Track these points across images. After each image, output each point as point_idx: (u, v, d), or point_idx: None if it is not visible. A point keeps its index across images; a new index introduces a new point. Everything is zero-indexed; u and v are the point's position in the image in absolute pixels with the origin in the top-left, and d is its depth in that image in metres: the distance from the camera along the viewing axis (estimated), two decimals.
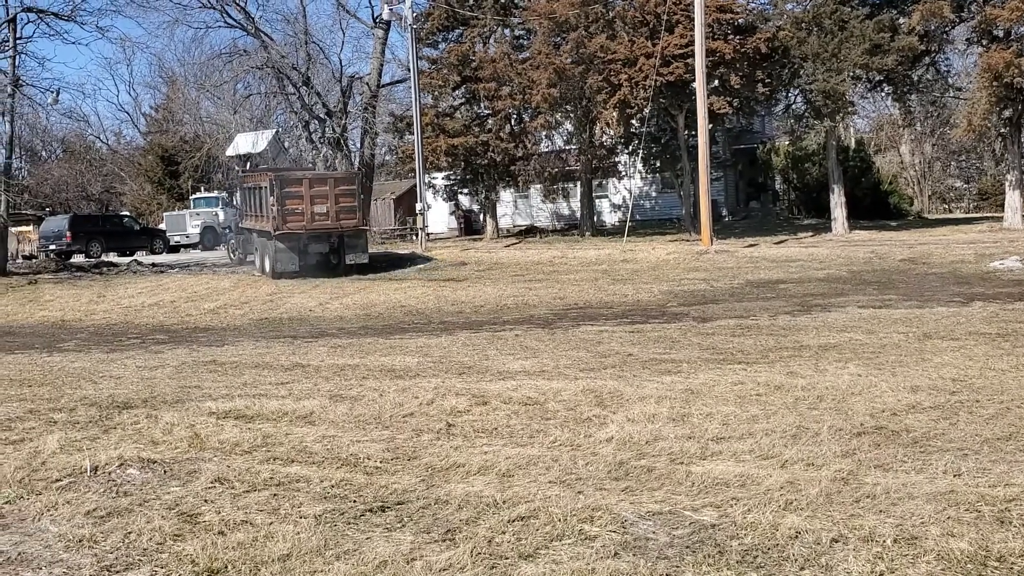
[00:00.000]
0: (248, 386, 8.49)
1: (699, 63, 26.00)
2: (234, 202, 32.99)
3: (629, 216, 31.54)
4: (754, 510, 4.41)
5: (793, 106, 33.38)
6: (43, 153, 67.63)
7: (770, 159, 41.94)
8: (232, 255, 31.79)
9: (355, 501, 4.75)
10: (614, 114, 30.49)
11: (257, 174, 30.19)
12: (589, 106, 32.99)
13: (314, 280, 22.26)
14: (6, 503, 4.81)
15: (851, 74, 28.21)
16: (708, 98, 26.74)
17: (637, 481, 5.01)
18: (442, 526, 4.35)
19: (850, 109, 33.00)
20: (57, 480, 5.16)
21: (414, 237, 40.12)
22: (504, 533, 4.21)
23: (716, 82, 29.23)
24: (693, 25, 26.63)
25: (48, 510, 4.67)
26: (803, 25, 28.77)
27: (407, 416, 6.75)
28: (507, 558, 3.95)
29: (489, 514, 4.48)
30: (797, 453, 5.38)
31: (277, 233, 23.72)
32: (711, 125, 27.91)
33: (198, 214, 46.03)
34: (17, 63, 26.67)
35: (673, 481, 4.98)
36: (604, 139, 36.25)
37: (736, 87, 29.20)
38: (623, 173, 38.04)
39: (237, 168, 48.71)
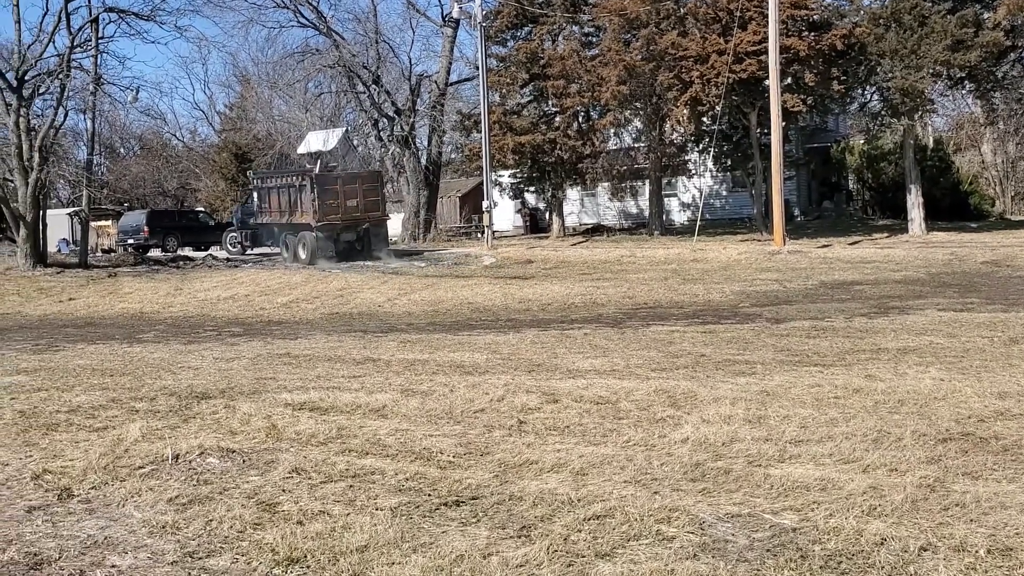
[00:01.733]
0: (321, 379, 8.60)
1: (773, 60, 25.57)
2: (250, 201, 34.16)
3: (699, 215, 31.16)
4: (836, 515, 4.30)
5: (869, 104, 32.61)
6: (122, 150, 69.66)
7: (844, 158, 41.02)
8: (231, 248, 33.79)
9: (429, 495, 4.76)
10: (685, 111, 30.16)
11: (283, 175, 32.10)
12: (659, 103, 32.72)
13: (382, 276, 22.53)
14: (92, 489, 4.94)
15: (931, 71, 27.41)
16: (781, 96, 26.29)
17: (714, 483, 4.92)
18: (517, 522, 4.33)
19: (929, 107, 32.13)
20: (140, 467, 5.27)
21: (479, 235, 40.30)
22: (580, 531, 4.17)
23: (790, 79, 28.73)
24: (767, 22, 26.22)
25: (132, 496, 4.78)
26: (881, 21, 28.08)
27: (478, 412, 6.75)
28: (584, 556, 3.91)
29: (564, 512, 4.44)
30: (879, 458, 5.23)
31: (318, 224, 27.33)
32: (784, 123, 27.45)
33: None
34: (99, 62, 27.53)
35: (751, 483, 4.88)
36: (674, 137, 35.89)
37: (810, 85, 28.66)
38: (693, 171, 37.62)
39: (308, 166, 49.58)
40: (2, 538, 4.17)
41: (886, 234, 29.29)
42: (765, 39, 26.49)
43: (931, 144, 40.81)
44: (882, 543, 3.94)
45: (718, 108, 28.45)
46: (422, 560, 3.81)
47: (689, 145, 35.64)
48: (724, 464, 5.26)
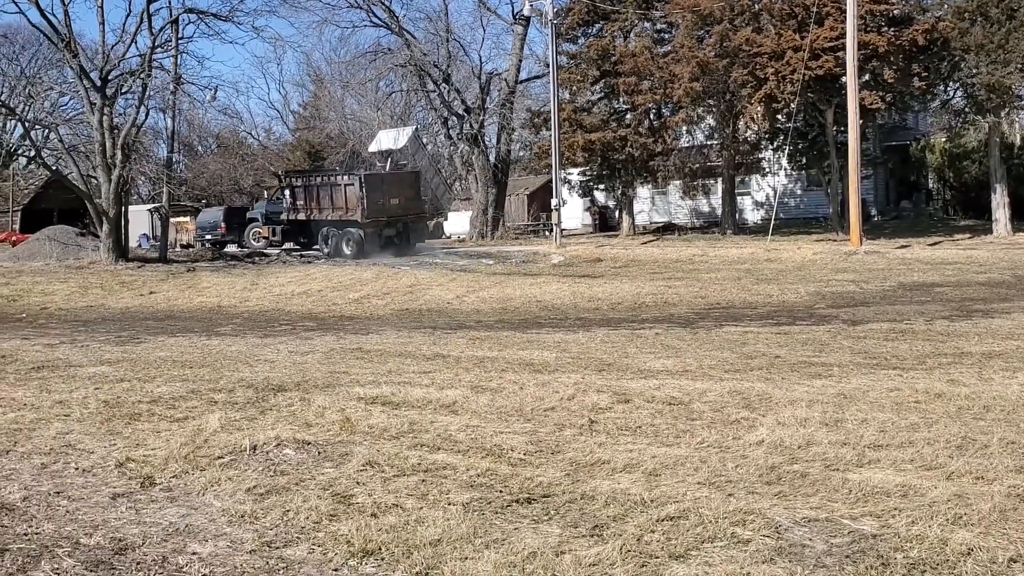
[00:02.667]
0: (393, 374, 8.69)
1: (850, 56, 24.97)
2: (278, 198, 35.09)
3: (774, 214, 30.62)
4: (919, 522, 4.17)
5: (952, 101, 31.61)
6: (199, 148, 71.45)
7: (924, 156, 39.83)
8: (254, 243, 34.54)
9: (501, 491, 4.77)
10: (759, 109, 29.67)
11: (324, 173, 34.04)
12: (732, 100, 32.25)
13: (450, 273, 22.69)
14: (173, 477, 5.07)
15: (1019, 66, 26.42)
16: (859, 93, 25.66)
17: (790, 486, 4.82)
18: (589, 521, 4.31)
19: (1017, 103, 30.94)
20: (219, 457, 5.39)
21: (547, 233, 40.27)
22: (653, 532, 4.13)
23: (868, 76, 28.03)
24: (844, 17, 25.62)
25: (211, 485, 4.89)
26: (966, 15, 27.17)
27: (548, 410, 6.74)
28: (657, 557, 3.87)
29: (637, 512, 4.41)
30: (964, 465, 5.06)
31: (367, 220, 29.71)
32: (862, 121, 26.78)
33: None
34: (179, 62, 28.28)
35: (829, 488, 4.77)
36: (748, 134, 35.34)
37: (889, 81, 27.91)
38: (767, 170, 36.99)
39: (378, 164, 50.23)
40: (89, 523, 4.31)
41: (968, 235, 28.36)
42: (842, 35, 25.89)
43: (1018, 142, 39.32)
44: (968, 553, 3.82)
45: (793, 105, 27.89)
46: (495, 556, 3.82)
47: (763, 143, 35.06)
48: (800, 467, 5.15)
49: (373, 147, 49.70)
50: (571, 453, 5.48)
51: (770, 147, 34.75)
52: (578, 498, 4.64)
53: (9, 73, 56.45)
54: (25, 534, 4.14)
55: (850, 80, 25.32)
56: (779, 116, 30.86)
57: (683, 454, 5.46)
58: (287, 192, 33.84)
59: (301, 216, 32.60)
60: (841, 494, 4.66)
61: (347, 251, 30.14)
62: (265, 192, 40.53)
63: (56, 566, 3.72)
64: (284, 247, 33.58)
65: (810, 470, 5.09)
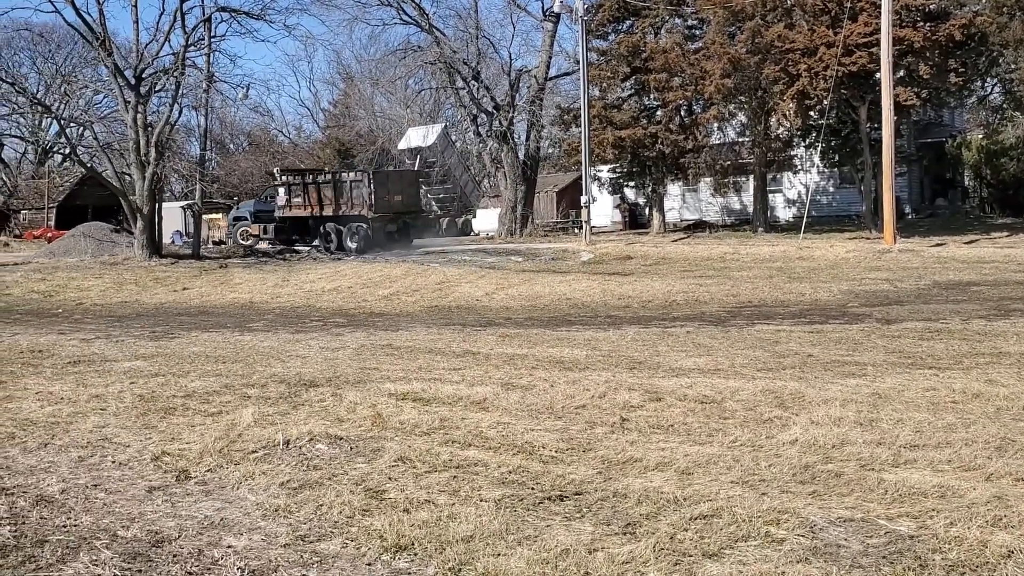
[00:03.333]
0: (423, 370, 8.71)
1: (885, 52, 24.67)
2: (270, 196, 35.97)
3: (806, 212, 30.34)
4: (958, 524, 4.11)
5: (989, 97, 31.16)
6: (231, 146, 72.12)
7: (960, 153, 39.27)
8: (241, 240, 35.46)
9: (533, 488, 4.76)
10: (791, 105, 29.41)
11: (324, 172, 35.63)
12: (764, 97, 32.01)
13: (480, 270, 22.71)
14: (208, 471, 5.12)
15: None
16: (894, 89, 25.33)
17: (824, 485, 4.78)
18: (622, 519, 4.29)
19: None
20: (253, 451, 5.44)
21: (576, 230, 40.20)
22: (686, 530, 4.11)
23: (903, 72, 27.69)
24: (879, 12, 25.31)
25: (246, 479, 4.93)
26: (1004, 9, 26.76)
27: (579, 408, 6.72)
28: (690, 555, 3.85)
29: (670, 510, 4.38)
30: (1004, 466, 4.98)
31: (373, 216, 31.36)
32: (896, 117, 26.42)
33: None
34: (211, 60, 28.55)
35: (864, 488, 4.72)
36: (780, 131, 35.06)
37: (925, 77, 27.56)
38: (799, 167, 36.67)
39: (407, 161, 50.43)
40: (126, 516, 4.36)
41: (1006, 233, 27.91)
42: (877, 30, 25.58)
43: None
44: (1009, 555, 3.76)
45: (826, 102, 27.64)
46: (527, 553, 3.82)
47: (795, 140, 34.76)
48: (835, 467, 5.10)
49: (402, 144, 49.85)
50: (603, 451, 5.47)
51: (802, 144, 34.45)
52: (610, 496, 4.62)
53: (45, 71, 57.37)
54: (64, 526, 4.20)
55: (884, 76, 25.01)
56: (811, 113, 30.57)
57: (716, 452, 5.43)
58: (282, 190, 34.52)
59: (297, 213, 33.66)
60: (877, 494, 4.61)
61: (352, 245, 31.51)
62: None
63: (95, 557, 3.77)
64: (276, 245, 34.41)
65: (845, 470, 5.04)
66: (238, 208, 38.30)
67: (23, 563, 3.73)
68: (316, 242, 33.20)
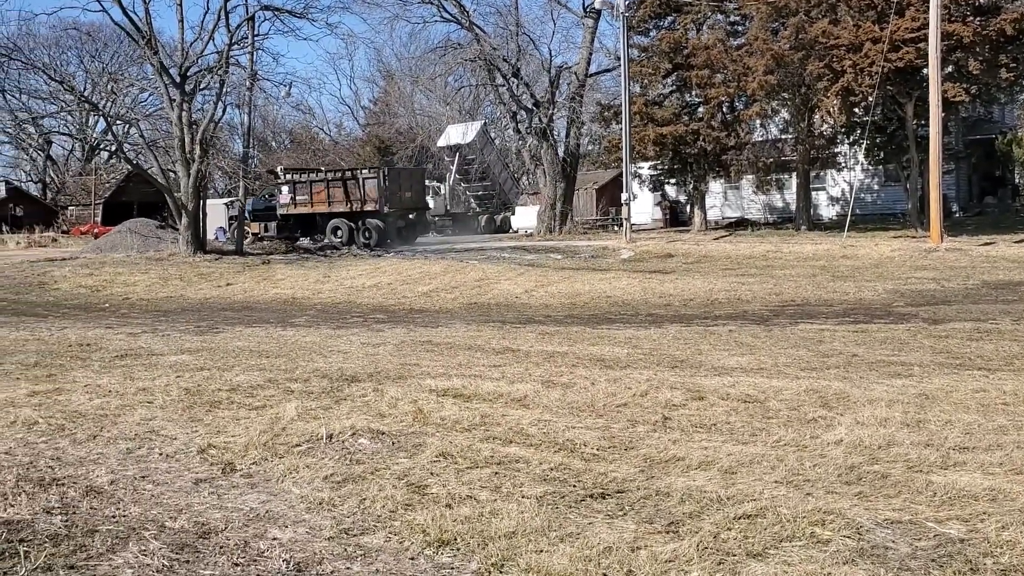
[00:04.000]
0: (463, 367, 8.73)
1: (933, 47, 24.22)
2: (269, 195, 36.69)
3: (850, 210, 29.92)
4: (1010, 527, 4.03)
5: None
6: (273, 143, 72.87)
7: (1011, 150, 38.34)
8: (231, 237, 35.03)
9: (574, 486, 4.75)
10: (835, 102, 29.00)
11: (331, 170, 36.80)
12: (808, 94, 31.61)
13: (519, 267, 22.72)
14: (253, 464, 5.17)
15: None
16: (942, 85, 24.86)
17: (871, 487, 4.71)
18: (664, 518, 4.27)
19: None
20: (297, 445, 5.49)
21: (616, 228, 40.04)
22: (730, 530, 4.07)
23: (951, 67, 27.17)
24: (927, 7, 24.85)
25: (290, 473, 4.97)
26: None
27: (621, 406, 6.69)
28: (734, 555, 3.81)
29: (713, 509, 4.35)
30: None
31: (386, 211, 32.67)
32: (944, 114, 25.96)
33: None
34: (255, 58, 28.84)
35: (912, 490, 4.64)
36: (823, 128, 34.60)
37: (974, 73, 27.01)
38: (843, 164, 36.16)
39: (446, 158, 50.62)
40: (173, 507, 4.42)
41: None
42: (925, 25, 25.13)
43: None
44: None
45: (871, 98, 27.19)
46: (570, 550, 3.81)
47: (839, 137, 34.28)
48: (881, 468, 5.03)
49: (442, 142, 50.07)
50: (645, 449, 5.44)
51: (846, 141, 33.96)
52: (653, 494, 4.60)
53: (92, 70, 58.45)
54: (113, 516, 4.27)
55: (932, 72, 24.57)
56: (856, 109, 30.11)
57: (759, 452, 5.37)
58: (286, 188, 35.02)
59: (302, 210, 34.33)
60: (925, 496, 4.54)
61: (364, 240, 32.63)
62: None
63: (143, 548, 3.83)
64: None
65: (892, 471, 4.96)
66: (232, 208, 38.75)
67: (74, 552, 3.80)
68: (323, 239, 33.82)
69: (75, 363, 8.95)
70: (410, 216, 34.77)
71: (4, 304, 17.76)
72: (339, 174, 35.17)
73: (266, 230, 34.98)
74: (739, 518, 4.22)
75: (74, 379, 7.84)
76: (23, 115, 50.54)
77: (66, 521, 4.18)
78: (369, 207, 32.61)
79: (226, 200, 43.96)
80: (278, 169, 40.90)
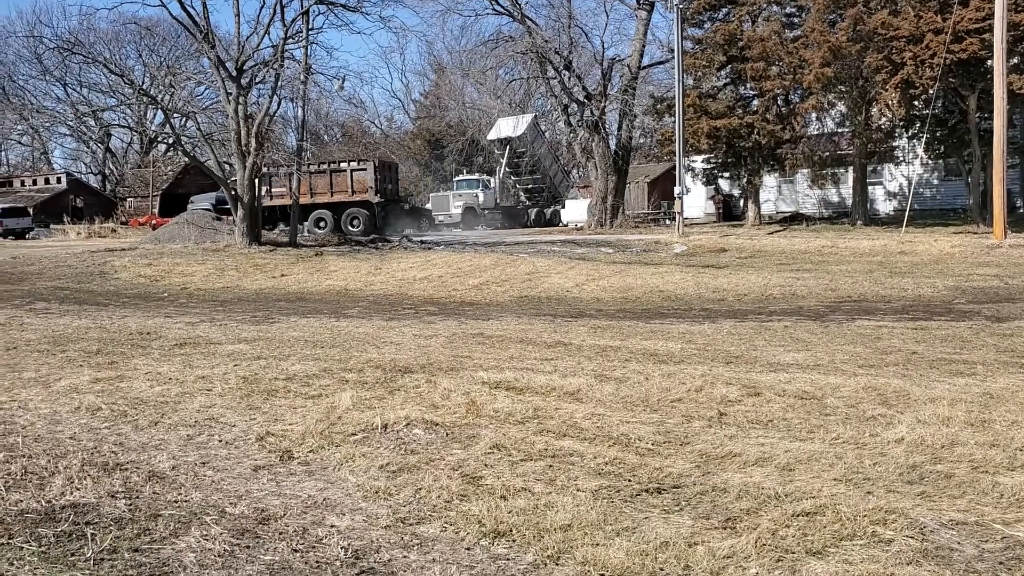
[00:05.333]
0: (515, 360, 8.73)
1: (998, 38, 23.58)
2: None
3: (908, 205, 29.31)
4: None
5: None
6: (325, 137, 73.60)
7: None
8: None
9: (629, 480, 4.72)
10: (894, 95, 28.42)
11: (314, 162, 37.82)
12: (866, 87, 31.03)
13: (569, 261, 22.66)
14: (310, 452, 5.23)
15: None
16: (1007, 76, 24.20)
17: (934, 487, 4.61)
18: (721, 513, 4.22)
19: None
20: (352, 434, 5.54)
21: (668, 222, 39.73)
22: (788, 527, 4.01)
23: (1017, 59, 26.42)
24: None
25: (346, 461, 5.02)
26: None
27: (675, 401, 6.64)
28: (793, 552, 3.76)
29: (770, 506, 4.29)
30: None
31: (378, 201, 34.72)
32: (1009, 106, 25.26)
33: (460, 195, 48.27)
34: (309, 52, 29.09)
35: (977, 490, 4.53)
36: (882, 122, 33.93)
37: None
38: (901, 158, 35.42)
39: (496, 152, 50.67)
40: (233, 493, 4.49)
41: None
42: (990, 15, 24.48)
43: None
44: None
45: (932, 91, 26.62)
46: (626, 544, 3.79)
47: (898, 130, 33.60)
48: (944, 468, 4.91)
49: (492, 135, 50.14)
50: (700, 445, 5.39)
51: (905, 135, 33.28)
52: (709, 490, 4.55)
53: (150, 64, 59.61)
54: (175, 501, 4.35)
55: (997, 64, 23.92)
56: (916, 102, 29.51)
57: (817, 449, 5.29)
58: (257, 181, 35.37)
59: (280, 202, 35.17)
60: (991, 498, 4.42)
61: (353, 229, 34.20)
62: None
63: (205, 532, 3.90)
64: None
65: (955, 471, 4.85)
66: (195, 201, 39.06)
67: (138, 535, 3.88)
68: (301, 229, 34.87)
69: (136, 351, 9.13)
70: (388, 208, 37.20)
71: (66, 293, 18.21)
72: (321, 166, 36.52)
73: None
74: (798, 515, 4.16)
75: (135, 367, 8.00)
76: (84, 108, 51.76)
77: (130, 505, 4.27)
78: (355, 197, 33.97)
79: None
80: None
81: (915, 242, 24.24)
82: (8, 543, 3.78)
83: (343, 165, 35.15)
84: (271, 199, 35.49)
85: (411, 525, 4.06)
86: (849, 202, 36.14)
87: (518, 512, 4.16)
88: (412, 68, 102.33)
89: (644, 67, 40.90)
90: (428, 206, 50.00)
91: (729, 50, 33.88)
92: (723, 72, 35.74)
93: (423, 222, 45.78)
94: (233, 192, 27.59)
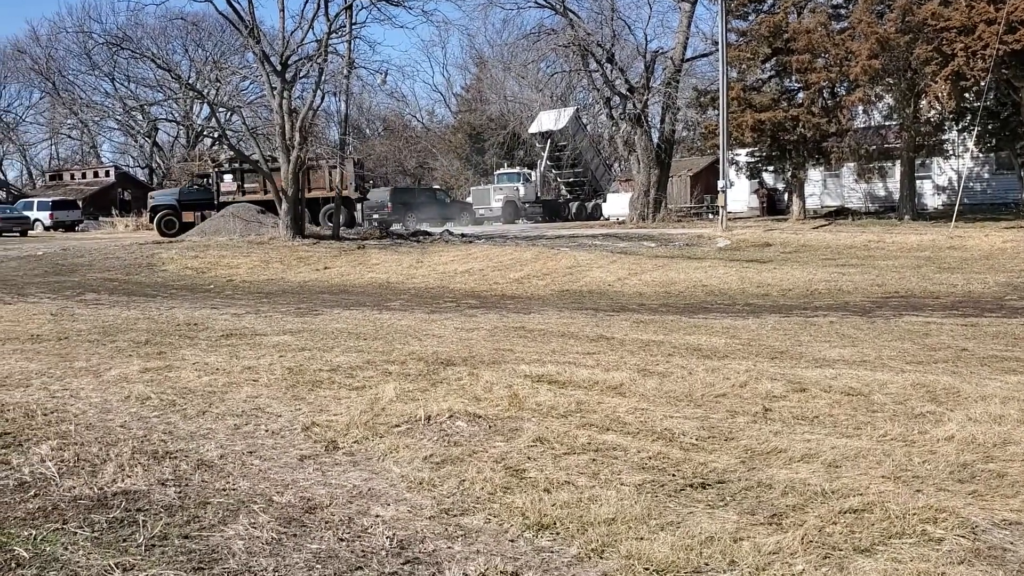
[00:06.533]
0: (556, 353, 8.73)
1: None
2: (201, 185, 36.60)
3: (958, 199, 28.74)
4: None
5: None
6: (367, 130, 74.05)
7: None
8: (166, 230, 34.53)
9: (673, 475, 4.70)
10: (944, 87, 27.85)
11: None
12: (915, 79, 30.42)
13: (611, 255, 22.58)
14: (354, 443, 5.28)
15: None
16: None
17: (986, 486, 4.52)
18: (767, 509, 4.18)
19: None
20: (396, 425, 5.58)
21: (711, 216, 39.37)
22: (835, 524, 3.96)
23: None
24: None
25: (391, 452, 5.06)
26: None
27: (719, 396, 6.59)
28: (840, 550, 3.72)
29: (817, 503, 4.24)
30: None
31: (356, 197, 34.97)
32: None
33: (501, 189, 48.30)
34: (352, 47, 29.28)
35: None
36: (931, 114, 33.28)
37: None
38: (950, 152, 34.73)
39: (537, 145, 50.60)
40: (280, 482, 4.55)
41: None
42: None
43: None
44: None
45: (984, 83, 26.05)
46: (671, 539, 3.77)
47: (947, 123, 32.92)
48: (997, 467, 4.82)
49: (533, 128, 50.08)
50: (745, 440, 5.35)
51: (955, 128, 32.62)
52: (754, 486, 4.52)
53: (196, 59, 60.43)
54: (223, 489, 4.42)
55: None
56: (967, 95, 28.89)
57: (864, 446, 5.22)
58: (228, 177, 35.28)
59: (253, 197, 34.65)
60: None
61: (331, 224, 34.01)
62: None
63: (253, 520, 3.96)
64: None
65: (1008, 470, 4.76)
66: (155, 198, 38.39)
67: (188, 523, 3.95)
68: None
69: (183, 341, 9.28)
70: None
71: (115, 284, 18.56)
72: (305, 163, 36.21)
73: (203, 219, 34.32)
74: (845, 512, 4.11)
75: (183, 357, 8.14)
76: (132, 103, 52.61)
77: (179, 493, 4.34)
78: (333, 194, 33.28)
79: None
80: (223, 159, 40.71)
81: (965, 237, 23.78)
82: (62, 528, 3.86)
83: (321, 163, 34.49)
84: (243, 194, 35.41)
85: (455, 516, 4.08)
86: (896, 196, 35.53)
87: (562, 505, 4.16)
88: (453, 62, 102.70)
89: (687, 60, 40.50)
90: (468, 199, 50.11)
91: (774, 42, 33.44)
92: (768, 65, 35.28)
93: (464, 215, 45.83)
94: (279, 186, 27.87)
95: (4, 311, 12.41)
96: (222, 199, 35.60)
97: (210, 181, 36.64)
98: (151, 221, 36.34)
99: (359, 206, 36.59)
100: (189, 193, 36.50)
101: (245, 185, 35.78)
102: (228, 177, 36.16)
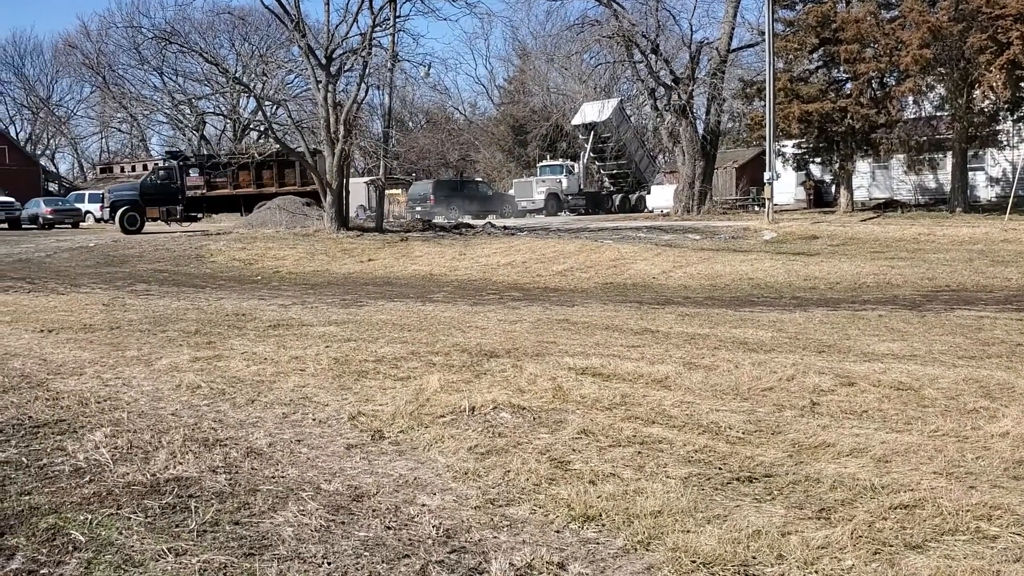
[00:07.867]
0: (600, 346, 8.71)
1: None
2: (165, 179, 34.94)
3: (1012, 191, 28.09)
4: None
5: None
6: (410, 123, 74.35)
7: None
8: (128, 226, 33.06)
9: (720, 468, 4.67)
10: (999, 76, 27.22)
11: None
12: (968, 68, 29.78)
13: (655, 248, 22.44)
14: (400, 432, 5.33)
15: None
16: None
17: None
18: (815, 504, 4.14)
19: None
20: (441, 416, 5.61)
21: (756, 208, 38.94)
22: (886, 519, 3.91)
23: None
24: None
25: (436, 442, 5.09)
26: None
27: (766, 390, 6.52)
28: (891, 545, 3.66)
29: (866, 498, 4.19)
30: None
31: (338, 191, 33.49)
32: None
33: (543, 181, 48.19)
34: (396, 40, 29.38)
35: None
36: (984, 105, 32.53)
37: None
38: (1004, 143, 33.93)
39: (580, 137, 50.41)
40: (327, 470, 4.61)
41: None
42: None
43: None
44: None
45: None
46: (717, 532, 3.75)
47: (1002, 114, 32.16)
48: None
49: (577, 120, 49.89)
50: (792, 434, 5.29)
51: (1010, 118, 31.86)
52: (802, 480, 4.47)
53: (243, 53, 61.13)
54: (272, 477, 4.48)
55: None
56: (1022, 84, 28.18)
57: (915, 441, 5.14)
58: (194, 172, 34.70)
59: (222, 192, 34.37)
60: None
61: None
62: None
63: (302, 508, 4.01)
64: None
65: None
66: (113, 192, 37.11)
67: (239, 509, 4.01)
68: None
69: (232, 332, 9.42)
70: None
71: (165, 275, 18.89)
72: (274, 157, 34.49)
73: (169, 214, 33.81)
74: (895, 508, 4.05)
75: (232, 347, 8.26)
76: (180, 97, 53.39)
77: (230, 480, 4.41)
78: (309, 188, 32.45)
79: (366, 179, 45.13)
80: (188, 154, 40.07)
81: (1020, 230, 23.23)
82: (117, 513, 3.95)
83: (291, 158, 33.43)
84: (214, 188, 34.80)
85: (500, 507, 4.09)
86: (947, 188, 34.83)
87: (607, 497, 4.16)
88: (496, 54, 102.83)
89: (733, 50, 40.03)
90: (511, 192, 50.10)
91: (822, 32, 32.92)
92: (815, 55, 34.75)
93: (506, 208, 45.80)
94: (323, 179, 28.12)
95: (58, 301, 12.70)
96: (189, 193, 34.42)
97: (174, 174, 34.92)
98: (111, 217, 34.24)
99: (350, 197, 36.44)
100: (151, 186, 34.68)
101: (216, 180, 34.71)
102: (194, 172, 35.36)
